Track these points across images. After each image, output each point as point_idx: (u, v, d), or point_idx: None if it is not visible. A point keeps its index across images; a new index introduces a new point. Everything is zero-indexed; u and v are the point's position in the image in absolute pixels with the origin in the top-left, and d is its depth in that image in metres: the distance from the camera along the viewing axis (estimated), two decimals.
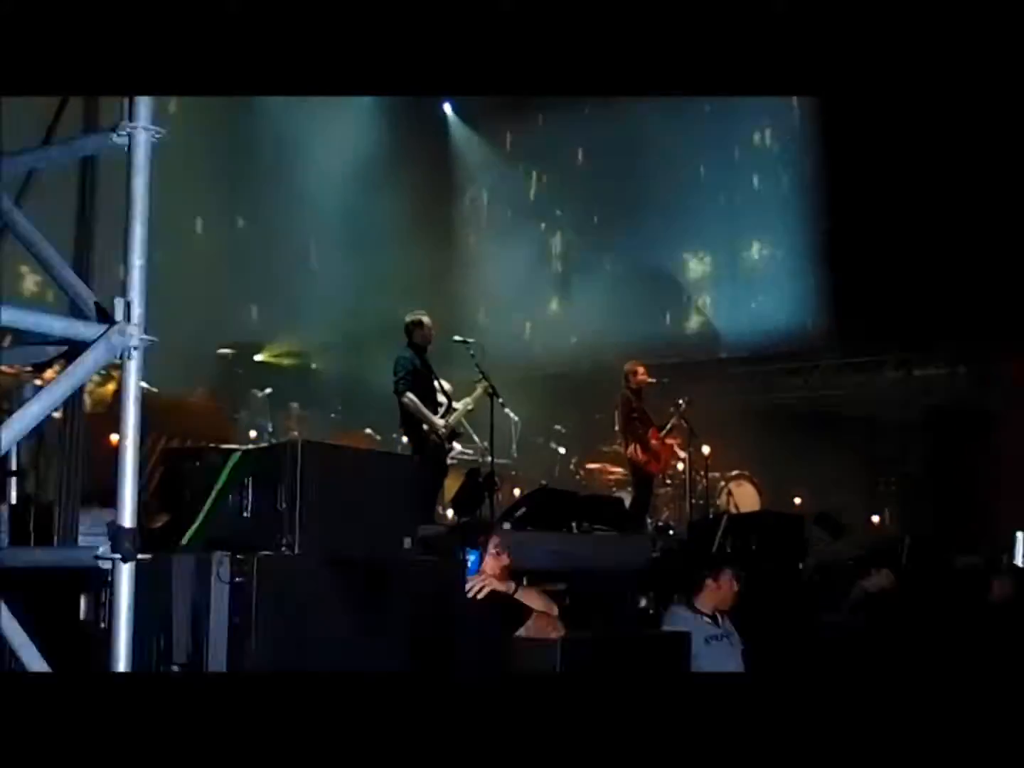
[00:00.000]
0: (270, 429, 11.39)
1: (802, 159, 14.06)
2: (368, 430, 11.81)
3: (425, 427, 8.54)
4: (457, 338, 9.01)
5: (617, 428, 10.50)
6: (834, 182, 13.41)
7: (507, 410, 9.60)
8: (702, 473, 11.24)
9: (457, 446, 10.49)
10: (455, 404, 8.80)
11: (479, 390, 8.87)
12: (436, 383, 8.78)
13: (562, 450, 13.37)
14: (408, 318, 8.78)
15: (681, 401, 10.69)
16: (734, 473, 12.57)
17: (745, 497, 12.28)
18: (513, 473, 11.86)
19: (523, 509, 7.44)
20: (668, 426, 10.57)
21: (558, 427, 13.59)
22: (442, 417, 8.64)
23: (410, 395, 8.47)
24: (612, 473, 12.84)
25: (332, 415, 12.51)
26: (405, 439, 8.99)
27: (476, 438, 10.93)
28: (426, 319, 8.74)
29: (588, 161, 15.75)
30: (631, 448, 10.29)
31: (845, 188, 13.25)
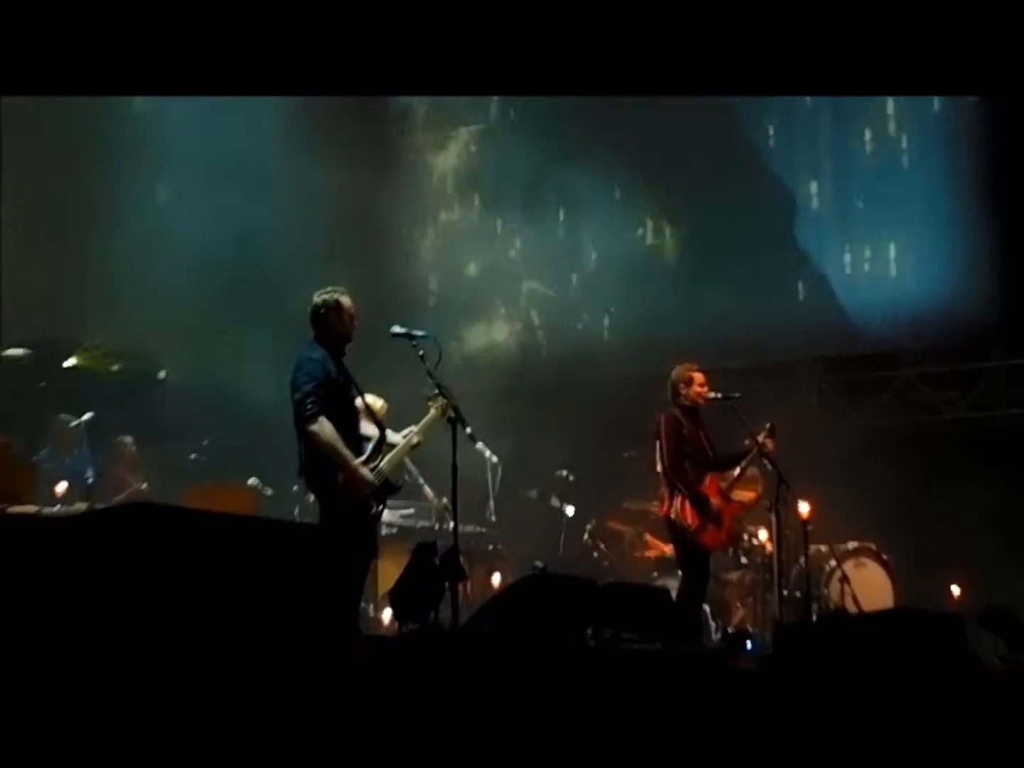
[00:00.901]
0: (90, 478, 11.44)
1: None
2: (253, 479, 11.89)
3: (343, 474, 8.53)
4: (397, 329, 8.99)
5: (659, 470, 10.48)
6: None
7: (479, 444, 9.86)
8: (798, 547, 11.18)
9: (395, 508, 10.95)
10: (392, 436, 9.00)
11: (433, 412, 8.97)
12: (361, 401, 8.98)
13: (569, 509, 13.46)
14: (318, 298, 8.91)
15: (764, 429, 10.67)
16: (851, 546, 12.55)
17: (869, 585, 12.24)
18: (490, 548, 12.28)
19: (507, 609, 7.66)
20: (739, 469, 10.69)
21: (562, 472, 13.60)
22: (371, 459, 8.74)
23: (322, 421, 8.49)
24: (651, 547, 12.90)
25: (192, 455, 12.55)
26: (310, 495, 9.29)
27: (429, 491, 11.29)
28: (346, 300, 8.91)
29: None
30: (675, 505, 10.33)
31: None
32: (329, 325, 8.88)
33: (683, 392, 10.56)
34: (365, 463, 8.67)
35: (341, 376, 8.81)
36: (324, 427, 8.49)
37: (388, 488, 8.92)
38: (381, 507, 8.94)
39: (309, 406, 8.49)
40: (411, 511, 11.27)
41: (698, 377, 10.60)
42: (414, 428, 9.14)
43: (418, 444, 9.18)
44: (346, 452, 8.55)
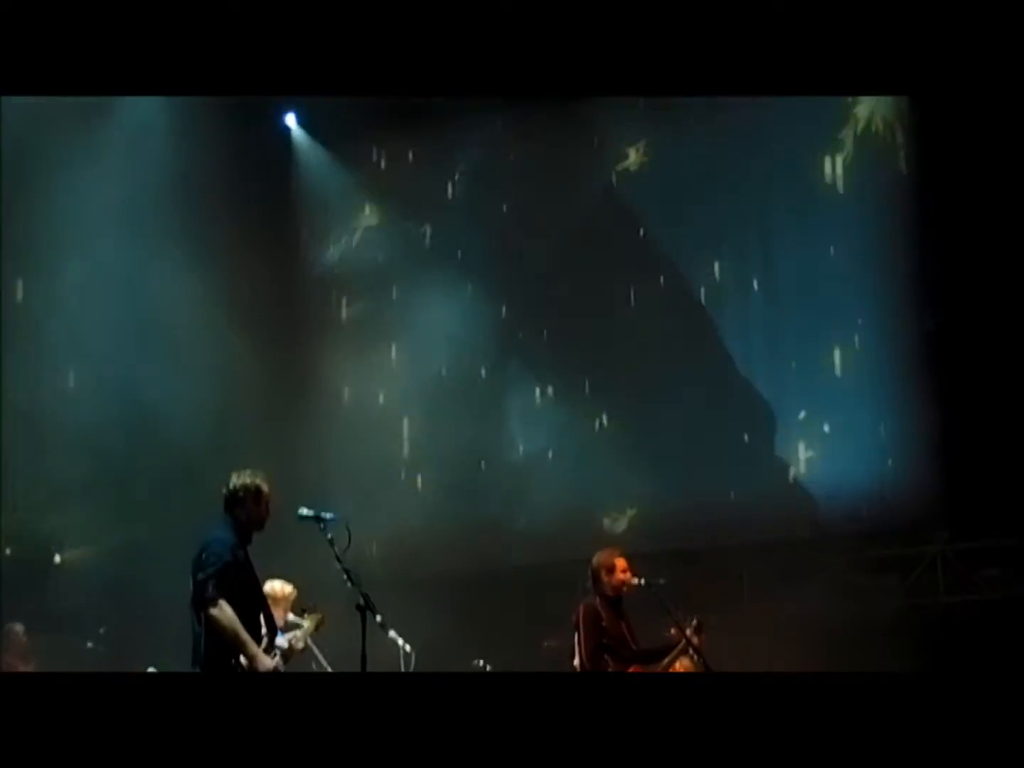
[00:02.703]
0: None
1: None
2: (151, 669, 11.31)
3: (244, 664, 8.40)
4: (304, 512, 8.85)
5: (576, 661, 10.26)
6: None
7: (392, 633, 9.51)
8: None
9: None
10: (279, 640, 8.94)
11: (307, 625, 9.43)
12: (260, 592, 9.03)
13: None
14: (237, 480, 8.91)
15: (691, 625, 10.40)
16: None
17: None
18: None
19: None
20: (665, 663, 10.41)
21: (478, 662, 13.23)
22: (266, 651, 8.59)
23: (223, 605, 8.37)
24: None
25: (88, 644, 12.51)
26: None
27: None
28: (265, 487, 8.94)
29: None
30: None
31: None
32: (245, 510, 8.84)
33: (605, 579, 10.37)
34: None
35: (246, 564, 8.77)
36: (224, 611, 8.38)
37: None
38: None
39: (211, 589, 8.39)
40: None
41: (620, 563, 10.42)
42: (297, 634, 9.25)
43: (303, 649, 9.30)
44: (247, 636, 8.42)
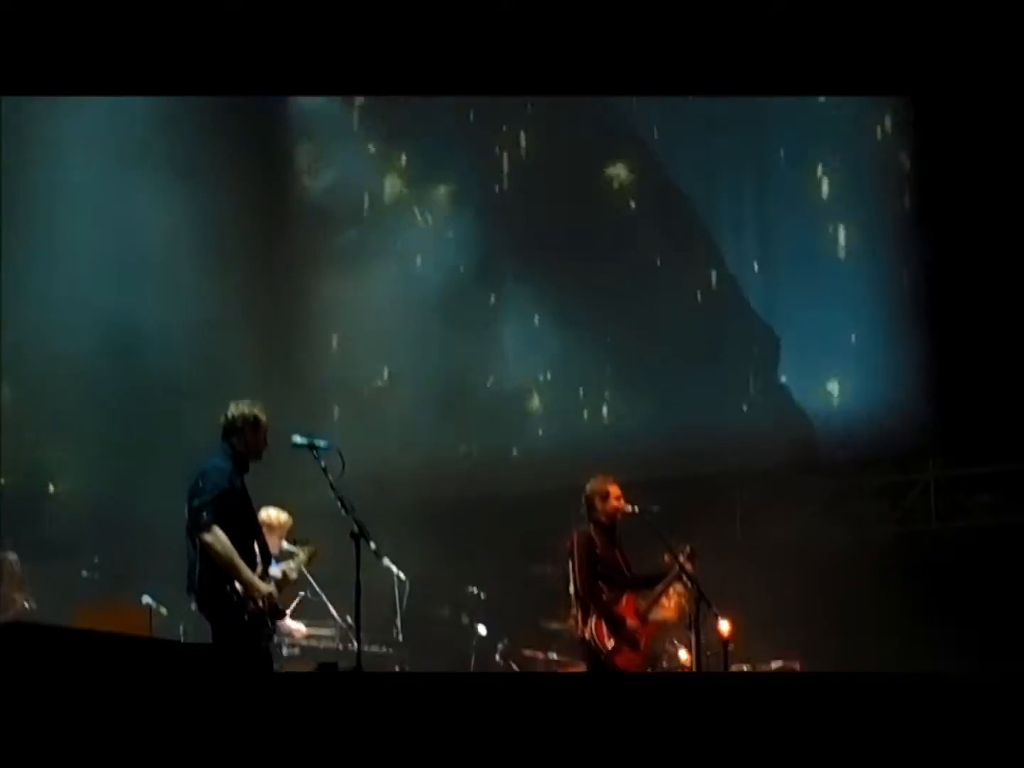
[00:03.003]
0: None
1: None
2: (146, 598, 11.46)
3: (239, 590, 8.47)
4: (297, 439, 8.88)
5: (572, 590, 10.30)
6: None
7: (385, 561, 9.69)
8: (718, 668, 10.72)
9: (292, 625, 10.71)
10: (272, 570, 8.93)
11: (301, 556, 9.35)
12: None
13: (481, 629, 13.20)
14: (235, 410, 8.93)
15: (684, 552, 10.49)
16: (774, 666, 12.22)
17: None
18: (396, 670, 11.91)
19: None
20: (658, 590, 10.54)
21: (473, 590, 13.49)
22: (261, 577, 8.67)
23: (216, 531, 8.44)
24: (566, 668, 12.55)
25: (83, 572, 12.39)
26: (196, 611, 8.92)
27: (332, 609, 11.14)
28: (263, 416, 8.95)
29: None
30: (590, 626, 10.13)
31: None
32: (243, 439, 8.85)
33: (599, 507, 10.38)
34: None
35: (243, 493, 8.79)
36: (219, 537, 8.43)
37: (277, 612, 8.89)
38: (274, 627, 8.96)
39: (205, 516, 8.44)
40: (315, 632, 11.09)
41: (614, 490, 10.41)
42: (291, 564, 9.22)
43: (294, 581, 9.32)
44: (241, 563, 8.49)
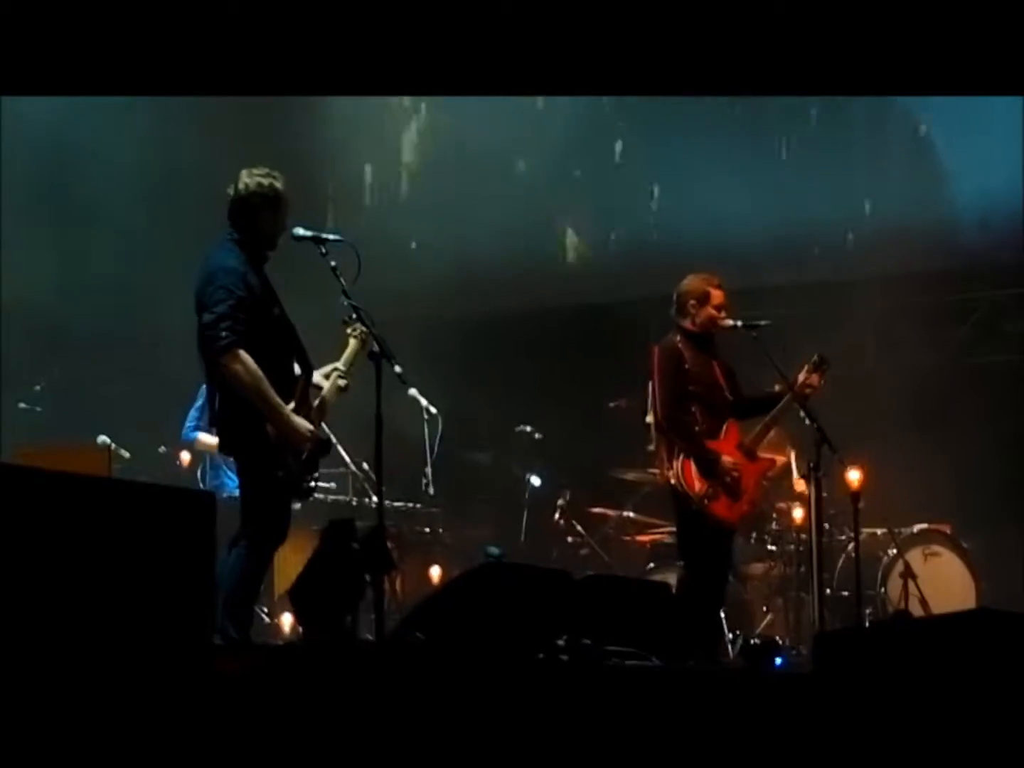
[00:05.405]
0: None
1: None
2: (102, 437, 11.15)
3: (273, 424, 8.05)
4: (300, 231, 8.42)
5: (649, 419, 10.01)
6: None
7: (412, 391, 9.60)
8: (846, 527, 10.97)
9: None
10: (315, 376, 8.49)
11: (352, 344, 8.44)
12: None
13: (535, 479, 13.01)
14: (250, 180, 8.28)
15: (809, 363, 9.80)
16: (918, 530, 11.84)
17: (942, 581, 11.59)
18: (427, 531, 11.98)
19: (450, 611, 7.56)
20: (769, 418, 9.91)
21: (525, 429, 12.99)
22: (300, 406, 8.17)
23: (243, 355, 7.91)
24: (650, 527, 12.41)
25: (20, 404, 11.96)
26: (216, 447, 8.82)
27: (344, 453, 10.99)
28: (281, 185, 8.36)
29: None
30: (676, 467, 9.70)
31: None
32: (259, 221, 8.15)
33: (692, 311, 9.61)
34: (296, 411, 8.12)
35: (266, 292, 8.16)
36: (246, 362, 7.85)
37: (323, 447, 8.52)
38: (317, 475, 8.51)
39: (225, 333, 7.81)
40: (322, 481, 10.15)
41: (716, 295, 9.62)
42: (338, 365, 8.44)
43: (346, 387, 8.49)
44: (274, 395, 7.93)
